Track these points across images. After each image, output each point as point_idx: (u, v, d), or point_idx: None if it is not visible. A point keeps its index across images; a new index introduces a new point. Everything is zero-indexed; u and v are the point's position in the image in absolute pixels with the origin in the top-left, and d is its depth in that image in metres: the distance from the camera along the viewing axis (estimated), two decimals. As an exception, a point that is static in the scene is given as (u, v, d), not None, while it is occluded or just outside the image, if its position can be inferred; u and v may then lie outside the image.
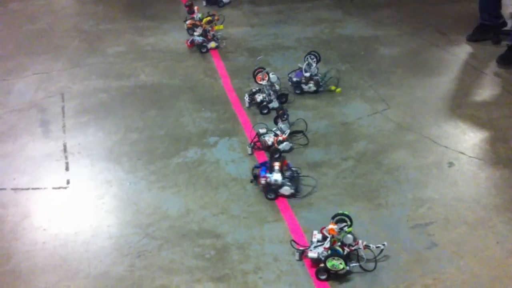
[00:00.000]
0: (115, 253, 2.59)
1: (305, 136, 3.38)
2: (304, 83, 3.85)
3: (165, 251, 2.59)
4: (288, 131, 3.28)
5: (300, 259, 2.52)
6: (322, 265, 2.40)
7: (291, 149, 3.26)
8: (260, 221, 2.76)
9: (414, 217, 2.76)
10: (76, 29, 5.02)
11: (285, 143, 3.21)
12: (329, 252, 2.42)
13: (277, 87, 3.69)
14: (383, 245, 2.46)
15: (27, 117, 3.66)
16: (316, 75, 3.85)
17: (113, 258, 2.56)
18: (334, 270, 2.39)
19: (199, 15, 4.62)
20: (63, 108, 3.76)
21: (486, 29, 4.58)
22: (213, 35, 4.57)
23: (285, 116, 3.35)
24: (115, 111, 3.72)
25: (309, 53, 3.88)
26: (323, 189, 2.97)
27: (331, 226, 2.46)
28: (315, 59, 3.85)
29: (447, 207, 2.83)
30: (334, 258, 2.37)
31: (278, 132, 3.28)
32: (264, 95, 3.65)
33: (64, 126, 3.56)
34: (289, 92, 3.82)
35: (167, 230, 2.71)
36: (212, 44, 4.53)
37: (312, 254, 2.45)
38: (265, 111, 3.64)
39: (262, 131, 3.30)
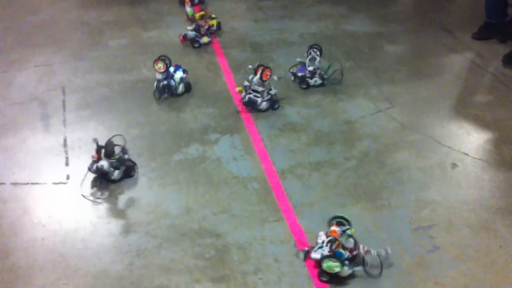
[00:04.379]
0: (114, 251, 2.56)
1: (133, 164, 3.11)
2: (309, 77, 3.82)
3: (164, 250, 2.56)
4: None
5: (305, 259, 2.48)
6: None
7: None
8: (261, 221, 2.74)
9: (417, 219, 2.74)
10: (79, 21, 4.98)
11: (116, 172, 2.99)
12: (333, 254, 2.39)
13: (273, 92, 3.62)
14: (386, 251, 2.42)
15: (28, 110, 3.63)
16: (319, 68, 3.82)
17: (112, 256, 2.54)
18: (330, 272, 2.36)
19: (189, 9, 4.66)
20: (64, 101, 3.73)
21: (492, 27, 4.54)
22: (206, 30, 4.53)
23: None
24: (116, 105, 3.69)
25: (311, 47, 3.85)
26: (325, 189, 2.94)
27: (333, 228, 2.43)
28: (318, 53, 3.82)
29: (450, 209, 2.80)
30: (330, 260, 2.34)
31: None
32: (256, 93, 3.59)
33: (64, 120, 3.53)
34: (280, 100, 3.71)
35: (167, 228, 2.69)
36: (205, 39, 4.47)
37: (315, 255, 2.42)
38: (249, 108, 3.61)
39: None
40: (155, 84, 3.72)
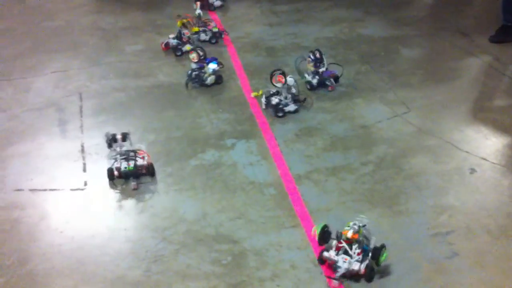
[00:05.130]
0: (132, 257, 2.57)
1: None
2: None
3: (181, 256, 2.57)
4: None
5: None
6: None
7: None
8: (278, 227, 2.73)
9: (435, 225, 2.71)
10: (95, 27, 5.02)
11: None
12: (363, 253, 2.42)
13: (294, 90, 3.63)
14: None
15: (45, 116, 3.67)
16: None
17: (129, 262, 2.54)
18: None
19: (198, 12, 4.67)
20: (81, 107, 3.76)
21: (509, 30, 4.49)
22: (188, 38, 4.50)
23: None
24: (132, 111, 3.71)
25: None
26: (341, 195, 2.93)
27: (350, 233, 2.41)
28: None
29: (469, 215, 2.77)
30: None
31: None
32: (281, 97, 3.61)
33: (81, 125, 3.56)
34: (307, 96, 3.76)
35: (184, 234, 2.69)
36: (187, 47, 4.41)
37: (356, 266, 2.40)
38: (281, 114, 3.59)
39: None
40: (188, 72, 3.94)
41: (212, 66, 3.93)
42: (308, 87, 3.88)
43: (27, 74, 4.20)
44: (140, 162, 3.06)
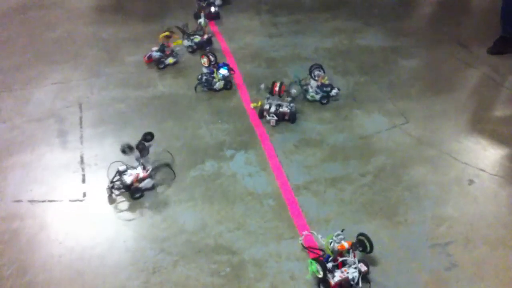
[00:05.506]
0: (131, 268, 2.57)
1: (172, 170, 3.20)
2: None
3: (180, 267, 2.57)
4: (150, 167, 3.11)
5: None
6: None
7: (153, 187, 3.10)
8: (277, 237, 2.73)
9: (434, 235, 2.72)
10: (95, 38, 5.04)
11: (146, 180, 3.04)
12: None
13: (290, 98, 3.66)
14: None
15: (45, 127, 3.68)
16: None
17: (128, 273, 2.55)
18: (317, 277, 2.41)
19: (202, 20, 4.72)
20: (80, 118, 3.77)
21: (508, 41, 4.51)
22: (172, 51, 4.51)
23: (146, 151, 3.08)
24: (132, 121, 3.72)
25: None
26: (341, 206, 2.93)
27: (343, 243, 2.44)
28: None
29: (467, 225, 2.78)
30: (317, 263, 2.39)
31: (140, 169, 3.09)
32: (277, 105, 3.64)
33: (81, 136, 3.57)
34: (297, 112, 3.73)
35: (183, 245, 2.70)
36: (170, 60, 4.44)
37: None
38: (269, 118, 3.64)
39: (121, 168, 3.09)
40: (198, 76, 4.06)
41: (223, 71, 4.03)
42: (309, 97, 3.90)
43: (28, 85, 4.22)
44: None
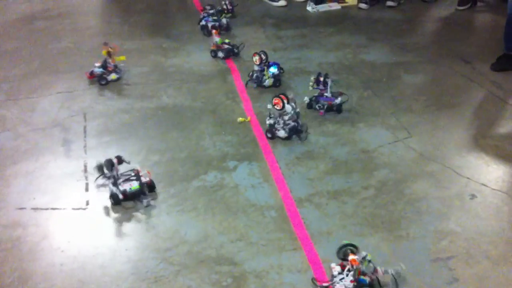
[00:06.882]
0: (132, 278, 2.58)
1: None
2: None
3: (182, 277, 2.57)
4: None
5: None
6: None
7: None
8: (279, 249, 2.73)
9: (436, 250, 2.71)
10: (101, 49, 5.07)
11: None
12: (356, 283, 2.40)
13: (287, 118, 3.60)
14: (401, 267, 2.44)
15: (50, 136, 3.70)
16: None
17: (130, 283, 2.55)
18: None
19: (217, 39, 4.79)
20: (85, 127, 3.79)
21: (511, 59, 4.53)
22: (115, 66, 4.46)
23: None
24: (137, 132, 3.74)
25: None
26: (343, 218, 2.93)
27: (351, 257, 2.43)
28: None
29: (469, 240, 2.77)
30: None
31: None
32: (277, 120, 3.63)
33: (85, 146, 3.59)
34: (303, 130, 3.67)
35: (185, 255, 2.70)
36: (113, 76, 4.40)
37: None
38: (269, 136, 3.63)
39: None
40: (249, 73, 4.32)
41: (273, 70, 4.24)
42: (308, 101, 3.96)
43: (33, 94, 4.25)
44: (143, 179, 3.10)
